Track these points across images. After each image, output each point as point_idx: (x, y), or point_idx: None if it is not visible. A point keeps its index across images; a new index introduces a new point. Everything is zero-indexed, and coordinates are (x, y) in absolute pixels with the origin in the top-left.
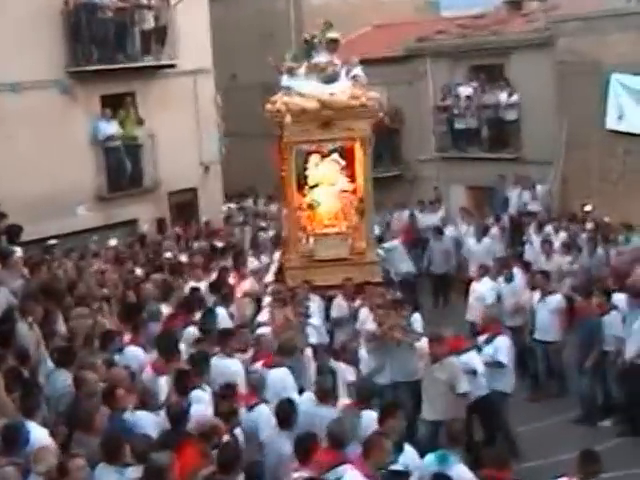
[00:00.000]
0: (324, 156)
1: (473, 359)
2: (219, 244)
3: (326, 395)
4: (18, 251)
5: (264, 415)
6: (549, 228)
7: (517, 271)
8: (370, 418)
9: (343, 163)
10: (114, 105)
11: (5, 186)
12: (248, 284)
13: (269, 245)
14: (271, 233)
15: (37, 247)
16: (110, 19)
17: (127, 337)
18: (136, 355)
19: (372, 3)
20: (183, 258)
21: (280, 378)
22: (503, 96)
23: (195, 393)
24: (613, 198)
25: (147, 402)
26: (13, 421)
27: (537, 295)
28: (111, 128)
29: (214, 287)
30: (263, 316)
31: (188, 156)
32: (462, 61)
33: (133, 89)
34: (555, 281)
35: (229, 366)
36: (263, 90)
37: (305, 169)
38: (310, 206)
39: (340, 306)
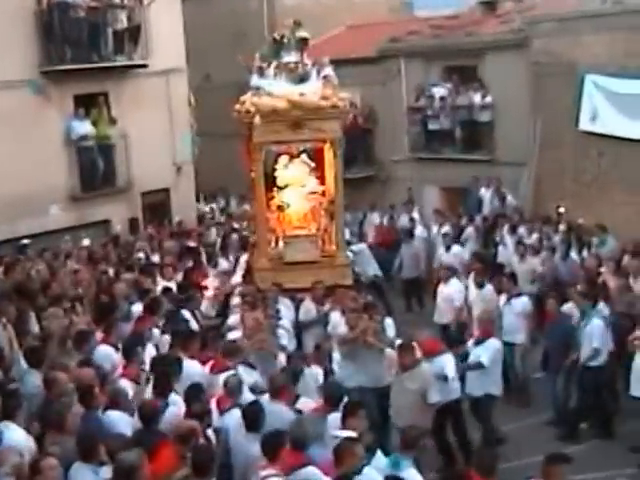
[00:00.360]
0: (293, 157)
1: (447, 363)
2: (192, 244)
3: (279, 391)
4: None
5: (235, 419)
6: (522, 230)
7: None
8: (336, 421)
9: (313, 165)
10: (87, 105)
11: None
12: (210, 284)
13: (236, 246)
14: (244, 233)
15: (10, 247)
16: (83, 19)
17: (99, 337)
18: (108, 355)
19: (346, 4)
20: (155, 258)
21: None
22: (477, 97)
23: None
24: (587, 199)
25: (118, 403)
26: None
27: (503, 298)
28: (84, 128)
29: (179, 288)
30: (233, 319)
31: (161, 156)
32: (436, 62)
33: (106, 89)
34: (528, 282)
35: (190, 368)
36: (237, 90)
37: (274, 170)
38: (279, 208)
39: (308, 309)
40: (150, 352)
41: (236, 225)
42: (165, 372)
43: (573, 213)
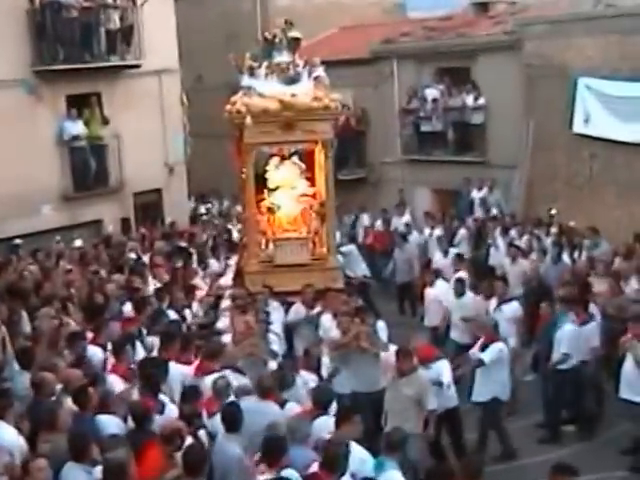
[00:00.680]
0: (284, 159)
1: (442, 369)
2: (183, 245)
3: (266, 391)
4: None
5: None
6: (514, 232)
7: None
8: (325, 424)
9: (303, 166)
10: (79, 105)
11: None
12: (200, 285)
13: (225, 248)
14: (235, 235)
15: (2, 247)
16: (76, 18)
17: (89, 337)
18: (96, 355)
19: (339, 5)
20: (147, 258)
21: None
22: (469, 99)
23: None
24: (579, 202)
25: (108, 405)
26: None
27: (493, 302)
28: (76, 128)
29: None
30: (223, 323)
31: (153, 156)
32: (428, 63)
33: (99, 89)
34: (519, 285)
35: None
36: (229, 91)
37: (265, 171)
38: (270, 210)
39: (298, 312)
40: (139, 352)
41: (230, 226)
42: (153, 374)
43: (565, 216)
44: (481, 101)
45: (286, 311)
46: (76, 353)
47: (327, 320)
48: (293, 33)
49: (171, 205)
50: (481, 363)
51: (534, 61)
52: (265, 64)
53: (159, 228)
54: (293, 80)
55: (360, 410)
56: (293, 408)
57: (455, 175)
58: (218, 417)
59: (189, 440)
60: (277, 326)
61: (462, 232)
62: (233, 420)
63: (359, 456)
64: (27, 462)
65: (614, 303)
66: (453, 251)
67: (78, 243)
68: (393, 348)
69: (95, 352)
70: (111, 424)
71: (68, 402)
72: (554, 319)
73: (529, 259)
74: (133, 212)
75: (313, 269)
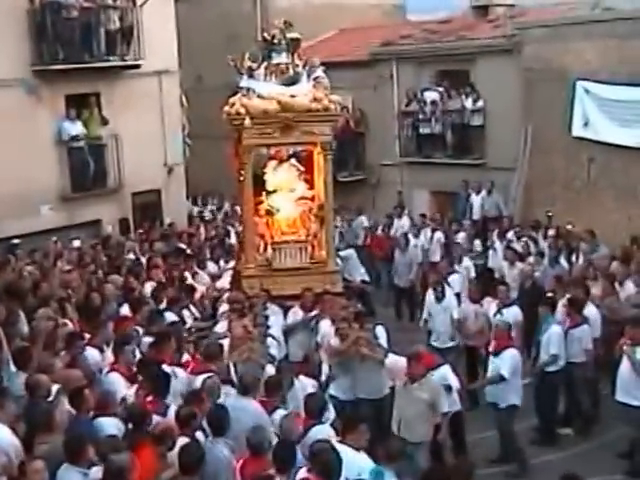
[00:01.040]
0: (282, 161)
1: (448, 374)
2: (182, 246)
3: (247, 388)
4: None
5: None
6: (511, 234)
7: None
8: (322, 433)
9: (302, 169)
10: (79, 105)
11: None
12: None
13: (223, 250)
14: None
15: (0, 246)
16: (76, 19)
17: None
18: (92, 356)
19: (339, 7)
20: (144, 259)
21: None
22: (468, 102)
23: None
24: (576, 206)
25: (106, 406)
26: None
27: (493, 306)
28: (75, 128)
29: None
30: (220, 327)
31: (152, 157)
32: (428, 66)
33: (98, 89)
34: (516, 289)
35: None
36: (228, 92)
37: (264, 174)
38: (268, 212)
39: (296, 316)
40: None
41: (229, 228)
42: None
43: (563, 219)
44: (480, 104)
45: (285, 315)
46: (71, 354)
47: (325, 325)
48: (292, 34)
49: (170, 206)
50: (502, 379)
51: (533, 64)
52: (264, 65)
53: (157, 229)
54: (292, 81)
55: (363, 417)
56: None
57: (454, 177)
58: None
59: (184, 440)
60: (276, 330)
61: (461, 236)
62: (220, 424)
63: (358, 464)
64: (23, 464)
65: (606, 305)
66: (466, 261)
67: (76, 243)
68: (391, 355)
69: (91, 354)
70: (110, 426)
71: (66, 403)
72: (540, 321)
73: (527, 262)
74: (132, 212)
75: (312, 273)
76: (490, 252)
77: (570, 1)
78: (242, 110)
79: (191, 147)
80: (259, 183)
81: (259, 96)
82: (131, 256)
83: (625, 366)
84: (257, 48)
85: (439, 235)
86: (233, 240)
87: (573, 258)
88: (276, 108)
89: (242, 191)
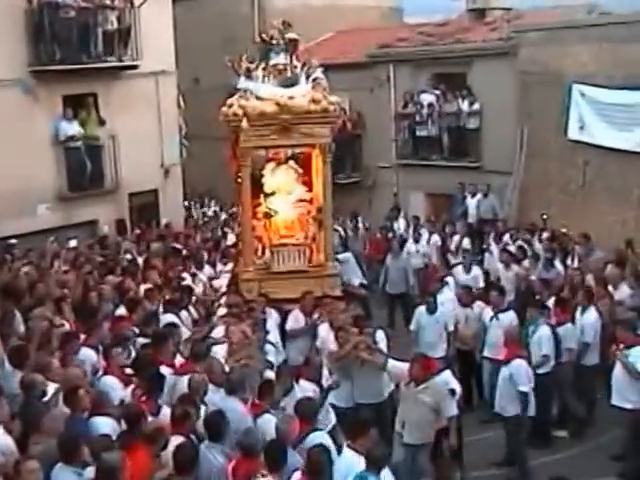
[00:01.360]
0: (280, 163)
1: (449, 378)
2: (178, 246)
3: (234, 388)
4: None
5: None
6: (507, 237)
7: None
8: (319, 439)
9: (301, 171)
10: (76, 105)
11: None
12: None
13: (220, 253)
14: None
15: None
16: (73, 19)
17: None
18: (88, 356)
19: (336, 9)
20: (141, 260)
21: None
22: (465, 104)
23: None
24: (572, 209)
25: (102, 407)
26: None
27: (488, 311)
28: (72, 128)
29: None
30: (218, 331)
31: (149, 158)
32: (424, 68)
33: (95, 90)
34: (511, 292)
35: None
36: (226, 94)
37: (262, 176)
38: (266, 215)
39: (297, 319)
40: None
41: (227, 230)
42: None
43: (558, 222)
44: (476, 107)
45: (283, 319)
46: (64, 354)
47: (324, 330)
48: (290, 35)
49: (167, 207)
50: (524, 396)
51: (529, 68)
52: (262, 66)
53: (154, 229)
54: (291, 82)
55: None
56: (271, 419)
57: (450, 180)
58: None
59: (179, 440)
60: (274, 336)
61: (456, 238)
62: (217, 429)
63: (355, 468)
64: (18, 463)
65: (603, 309)
66: (475, 269)
67: (73, 243)
68: (390, 361)
69: (87, 354)
70: (105, 426)
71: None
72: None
73: (522, 265)
74: (128, 213)
75: (310, 276)
76: (486, 255)
77: (566, 5)
78: (240, 111)
79: (188, 148)
80: (257, 185)
81: (257, 97)
82: (128, 256)
83: (618, 370)
84: (255, 49)
85: (436, 238)
86: (229, 242)
87: (568, 261)
88: (274, 110)
89: (240, 193)
